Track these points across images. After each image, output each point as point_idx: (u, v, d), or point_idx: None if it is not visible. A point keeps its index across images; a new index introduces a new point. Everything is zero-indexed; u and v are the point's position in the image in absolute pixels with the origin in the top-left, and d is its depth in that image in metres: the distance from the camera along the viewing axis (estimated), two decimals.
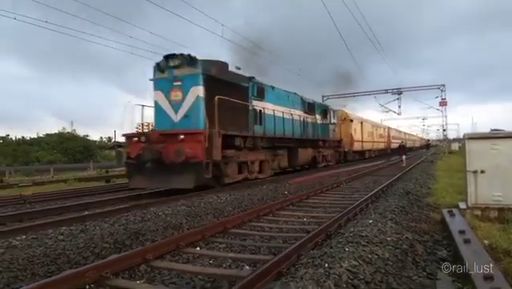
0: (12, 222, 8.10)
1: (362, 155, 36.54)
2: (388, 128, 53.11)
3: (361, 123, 35.41)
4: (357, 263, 4.57)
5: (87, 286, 4.40)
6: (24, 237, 6.55)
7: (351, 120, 32.20)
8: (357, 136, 33.36)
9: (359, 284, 4.02)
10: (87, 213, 8.33)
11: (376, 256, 4.95)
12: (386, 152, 46.27)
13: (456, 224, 6.15)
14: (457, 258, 4.91)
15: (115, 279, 4.62)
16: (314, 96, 29.99)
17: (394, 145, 47.54)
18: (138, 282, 4.67)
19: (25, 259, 5.29)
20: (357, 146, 33.23)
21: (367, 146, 37.12)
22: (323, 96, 46.79)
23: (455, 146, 54.94)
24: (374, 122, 44.23)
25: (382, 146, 46.24)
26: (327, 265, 4.47)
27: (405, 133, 65.10)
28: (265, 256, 5.47)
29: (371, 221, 7.07)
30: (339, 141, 28.02)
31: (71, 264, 5.22)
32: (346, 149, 29.78)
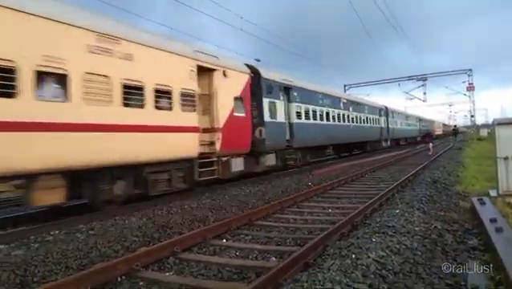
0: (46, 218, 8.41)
1: None
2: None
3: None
4: (385, 254, 4.53)
5: (119, 279, 4.53)
6: (57, 232, 6.80)
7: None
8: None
9: (387, 275, 3.98)
10: (116, 207, 8.53)
11: (404, 246, 4.88)
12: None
13: (486, 212, 5.98)
14: (488, 247, 4.79)
15: (146, 272, 4.74)
16: (335, 86, 28.97)
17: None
18: (167, 274, 4.77)
19: (58, 253, 5.48)
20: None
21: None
22: (345, 85, 46.21)
23: (484, 132, 53.22)
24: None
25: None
26: (354, 256, 4.44)
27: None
28: (291, 247, 5.48)
29: (397, 211, 6.98)
30: None
31: (102, 257, 5.38)
32: None
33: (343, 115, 23.13)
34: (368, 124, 28.29)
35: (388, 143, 34.30)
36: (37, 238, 6.43)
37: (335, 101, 21.89)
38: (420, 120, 55.34)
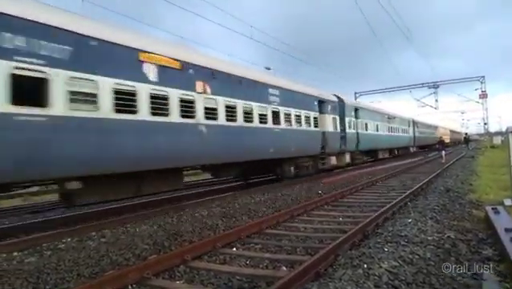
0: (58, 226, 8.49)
1: None
2: None
3: None
4: (397, 264, 4.47)
5: (130, 287, 4.54)
6: (69, 239, 6.87)
7: None
8: None
9: (400, 285, 3.92)
10: (127, 215, 8.60)
11: (417, 256, 4.81)
12: None
13: (501, 221, 5.87)
14: (504, 258, 4.69)
15: (156, 280, 4.74)
16: (345, 92, 28.24)
17: None
18: (178, 282, 4.77)
19: (70, 261, 5.53)
20: None
21: None
22: (356, 93, 46.05)
23: (497, 140, 52.44)
24: None
25: None
26: (365, 265, 4.40)
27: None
28: (301, 256, 5.44)
29: (410, 220, 6.90)
30: None
31: (113, 265, 5.41)
32: None
33: (188, 102, 9.91)
34: (281, 126, 14.45)
35: (347, 159, 21.25)
36: (49, 246, 6.49)
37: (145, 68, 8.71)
38: (416, 123, 41.25)
